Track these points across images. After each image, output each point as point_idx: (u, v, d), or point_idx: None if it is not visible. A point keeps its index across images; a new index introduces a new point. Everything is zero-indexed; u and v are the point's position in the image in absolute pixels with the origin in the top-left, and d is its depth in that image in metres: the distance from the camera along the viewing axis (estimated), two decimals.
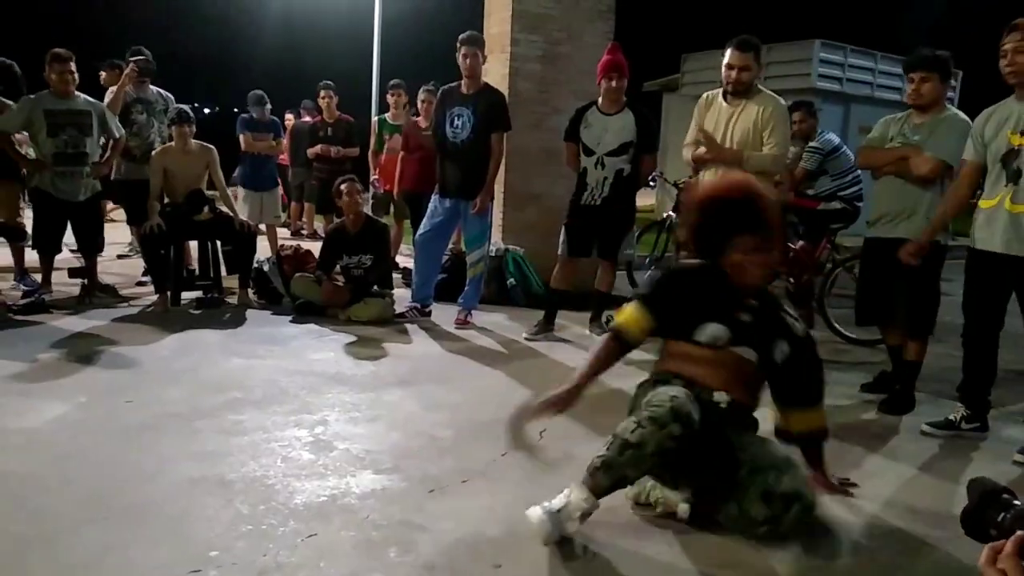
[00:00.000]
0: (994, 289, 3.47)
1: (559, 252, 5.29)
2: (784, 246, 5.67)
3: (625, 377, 4.24)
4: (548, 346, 5.01)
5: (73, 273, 5.72)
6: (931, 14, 23.55)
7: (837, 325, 5.41)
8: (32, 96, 5.47)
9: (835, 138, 5.78)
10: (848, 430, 3.64)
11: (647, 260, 7.37)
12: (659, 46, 17.21)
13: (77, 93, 5.53)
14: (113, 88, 6.23)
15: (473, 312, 5.55)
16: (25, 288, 5.50)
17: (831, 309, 5.50)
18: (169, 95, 6.42)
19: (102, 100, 6.00)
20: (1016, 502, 0.93)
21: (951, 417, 3.66)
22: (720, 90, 4.48)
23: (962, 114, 3.88)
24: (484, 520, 2.57)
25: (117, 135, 5.77)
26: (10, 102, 5.61)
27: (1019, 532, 0.88)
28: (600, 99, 5.11)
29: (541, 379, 4.23)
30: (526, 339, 5.09)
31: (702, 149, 4.42)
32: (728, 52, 4.31)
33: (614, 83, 5.02)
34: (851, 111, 14.28)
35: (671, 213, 7.43)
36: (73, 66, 5.45)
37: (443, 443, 3.24)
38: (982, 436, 3.61)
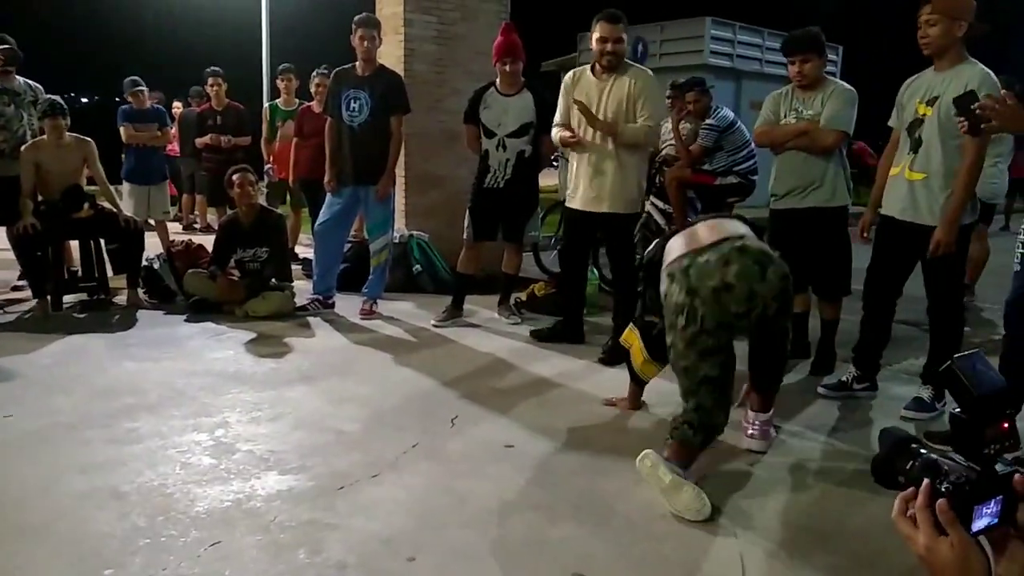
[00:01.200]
0: (894, 254, 3.62)
1: (464, 236, 5.22)
2: (684, 221, 5.79)
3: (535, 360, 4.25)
4: (457, 332, 4.96)
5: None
6: None
7: None
8: None
9: (730, 114, 5.92)
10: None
11: (552, 240, 7.40)
12: (555, 25, 17.26)
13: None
14: None
15: (378, 301, 5.44)
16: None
17: None
18: (38, 85, 5.96)
19: None
20: (923, 451, 0.95)
21: (843, 379, 3.84)
22: (587, 67, 4.49)
23: (846, 84, 4.07)
24: (395, 513, 2.52)
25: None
26: None
27: (927, 481, 0.90)
28: (498, 80, 5.05)
29: (450, 366, 4.20)
30: (434, 326, 5.03)
31: (566, 132, 4.43)
32: (598, 26, 4.31)
33: (508, 67, 4.97)
34: (742, 87, 14.72)
35: None
36: None
37: (350, 438, 3.16)
38: (872, 395, 3.79)
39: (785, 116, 4.10)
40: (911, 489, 0.92)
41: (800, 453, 3.12)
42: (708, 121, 5.78)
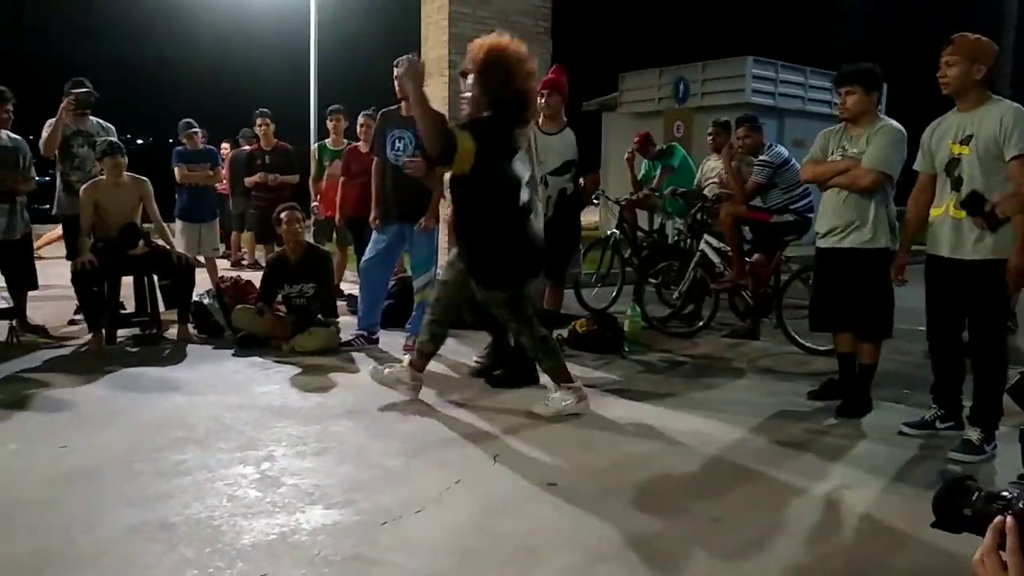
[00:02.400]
0: (948, 292, 3.59)
1: None
2: (741, 259, 5.77)
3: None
4: (499, 366, 4.96)
5: (0, 314, 5.48)
6: (856, 29, 24.46)
7: (794, 335, 5.49)
8: None
9: (784, 151, 5.89)
10: (810, 438, 3.72)
11: (593, 278, 7.41)
12: (597, 66, 17.46)
13: (1, 131, 5.39)
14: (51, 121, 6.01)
15: None
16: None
17: (787, 320, 5.57)
18: (110, 126, 6.22)
19: (39, 131, 5.82)
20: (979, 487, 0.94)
21: (926, 417, 3.77)
22: None
23: (895, 123, 4.01)
24: (437, 551, 2.52)
25: (32, 175, 5.66)
26: None
27: (999, 518, 0.88)
28: (540, 119, 5.12)
29: (492, 403, 4.21)
30: (476, 362, 5.04)
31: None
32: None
33: (543, 100, 5.05)
34: (785, 125, 14.68)
35: (615, 231, 7.49)
36: (10, 106, 5.37)
37: (394, 473, 3.17)
38: (959, 434, 3.66)
39: (832, 152, 4.08)
40: (1000, 519, 0.89)
41: (845, 491, 3.05)
42: (762, 157, 5.77)
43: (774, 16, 26.86)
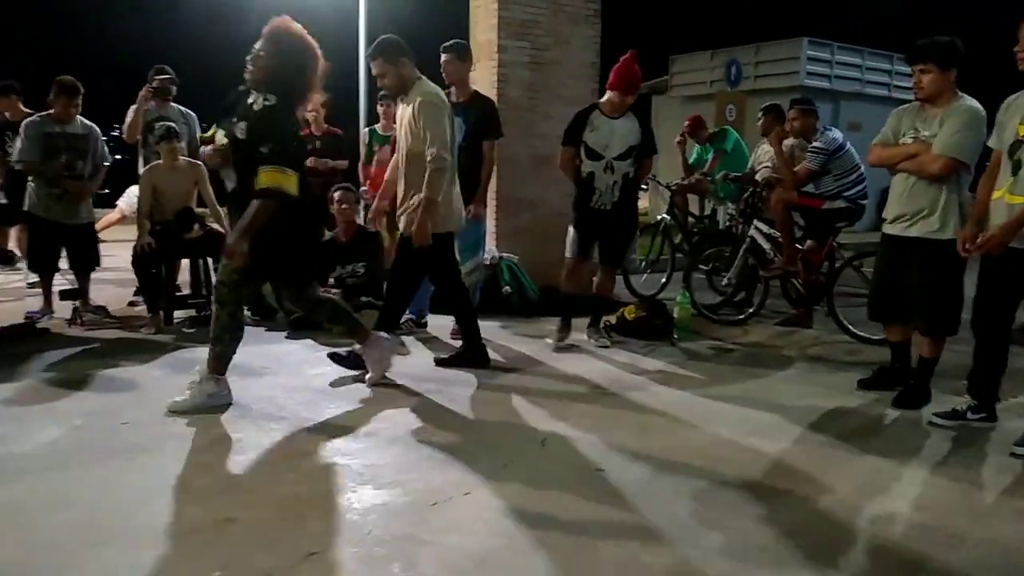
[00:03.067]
0: (1001, 280, 3.45)
1: (568, 254, 5.18)
2: (792, 246, 5.66)
3: (632, 389, 4.24)
4: (547, 353, 4.98)
5: (65, 295, 5.67)
6: (919, 7, 23.64)
7: (847, 323, 5.37)
8: (36, 120, 5.50)
9: (838, 136, 5.72)
10: (864, 428, 3.65)
11: (642, 263, 7.35)
12: (646, 49, 17.22)
13: (77, 117, 5.58)
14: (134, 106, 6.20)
15: None
16: (28, 313, 5.49)
17: (838, 308, 5.46)
18: (191, 113, 6.39)
19: (118, 117, 6.05)
20: None
21: (958, 407, 3.66)
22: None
23: (973, 104, 3.75)
24: (487, 532, 2.54)
25: (107, 161, 5.82)
26: None
27: None
28: (603, 102, 5.01)
29: (541, 387, 4.22)
30: (557, 350, 5.03)
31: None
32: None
33: (629, 99, 4.97)
34: (840, 108, 14.33)
35: (665, 216, 7.41)
36: (79, 99, 5.57)
37: (444, 454, 3.20)
38: (990, 426, 3.58)
39: (904, 134, 3.90)
40: None
41: (900, 484, 2.98)
42: (815, 143, 5.63)
43: None
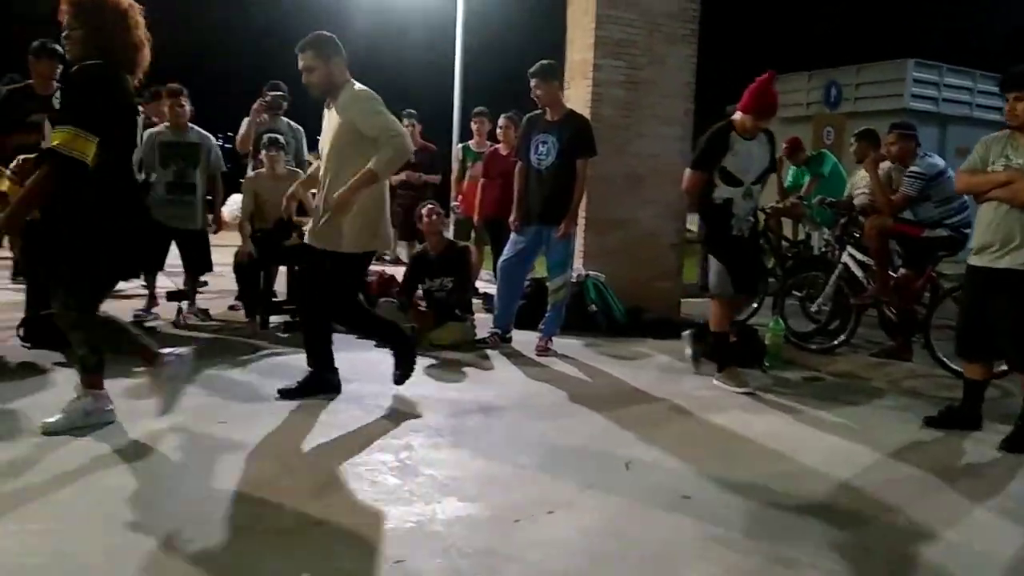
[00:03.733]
0: None
1: (717, 291, 4.76)
2: (886, 274, 5.45)
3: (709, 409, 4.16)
4: (631, 373, 4.93)
5: (171, 296, 5.96)
6: None
7: (943, 357, 5.13)
8: (153, 130, 5.82)
9: (939, 162, 5.49)
10: (957, 468, 3.48)
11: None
12: (741, 68, 16.94)
13: (191, 126, 5.87)
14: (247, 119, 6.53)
15: (553, 339, 5.51)
16: (136, 312, 5.79)
17: (936, 341, 5.22)
18: (299, 128, 6.68)
19: (227, 128, 6.36)
20: None
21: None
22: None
23: None
24: (569, 552, 2.53)
25: (222, 168, 6.13)
26: None
27: None
28: (736, 122, 4.64)
29: (627, 409, 4.18)
30: (741, 393, 4.57)
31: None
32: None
33: (763, 124, 4.66)
34: (948, 132, 13.75)
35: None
36: (184, 99, 5.82)
37: (527, 472, 3.21)
38: None
39: (993, 163, 3.76)
40: None
41: (991, 527, 2.82)
42: (913, 168, 5.42)
43: (940, 14, 25.11)
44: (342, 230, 3.85)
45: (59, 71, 5.61)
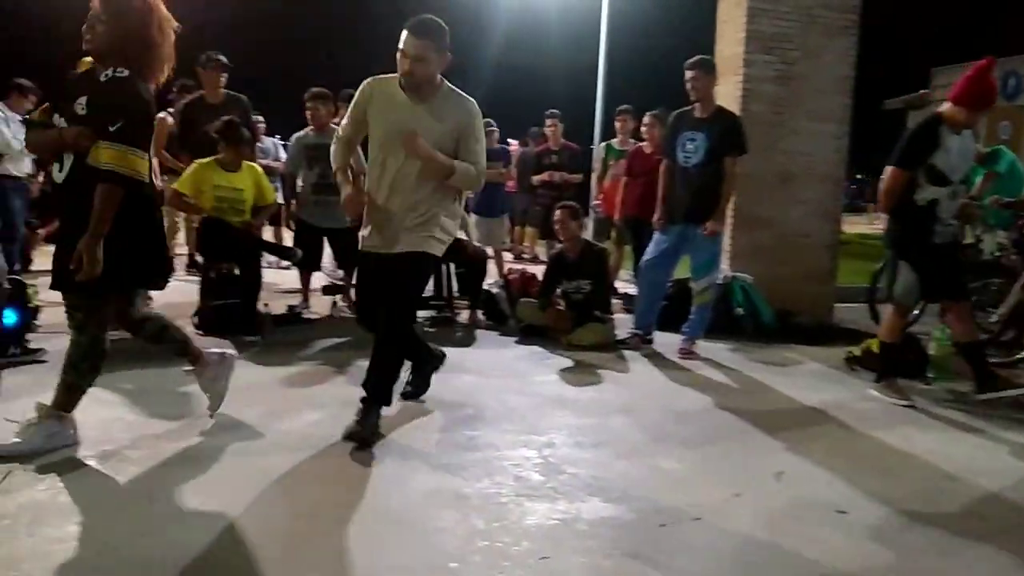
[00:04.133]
0: None
1: (901, 299, 4.48)
2: None
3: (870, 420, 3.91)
4: (780, 380, 4.73)
5: (327, 290, 6.30)
6: None
7: None
8: (299, 134, 6.17)
9: None
10: None
11: (887, 293, 6.76)
12: (902, 60, 15.94)
13: (333, 126, 6.16)
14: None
15: (697, 342, 5.39)
16: (290, 306, 6.16)
17: None
18: None
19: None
20: None
21: None
22: (393, 77, 3.51)
23: None
24: (718, 560, 2.46)
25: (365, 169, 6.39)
26: None
27: None
28: (945, 115, 4.26)
29: (775, 416, 4.02)
30: (906, 405, 4.31)
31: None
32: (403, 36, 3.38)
33: (978, 117, 4.31)
34: None
35: None
36: (329, 103, 6.10)
37: (672, 476, 3.16)
38: None
39: None
40: None
41: None
42: None
43: None
44: (434, 232, 3.54)
45: (224, 78, 6.09)
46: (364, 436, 3.34)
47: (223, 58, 6.09)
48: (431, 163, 3.42)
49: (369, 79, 3.58)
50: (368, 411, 3.42)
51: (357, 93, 3.60)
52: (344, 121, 3.73)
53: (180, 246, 7.97)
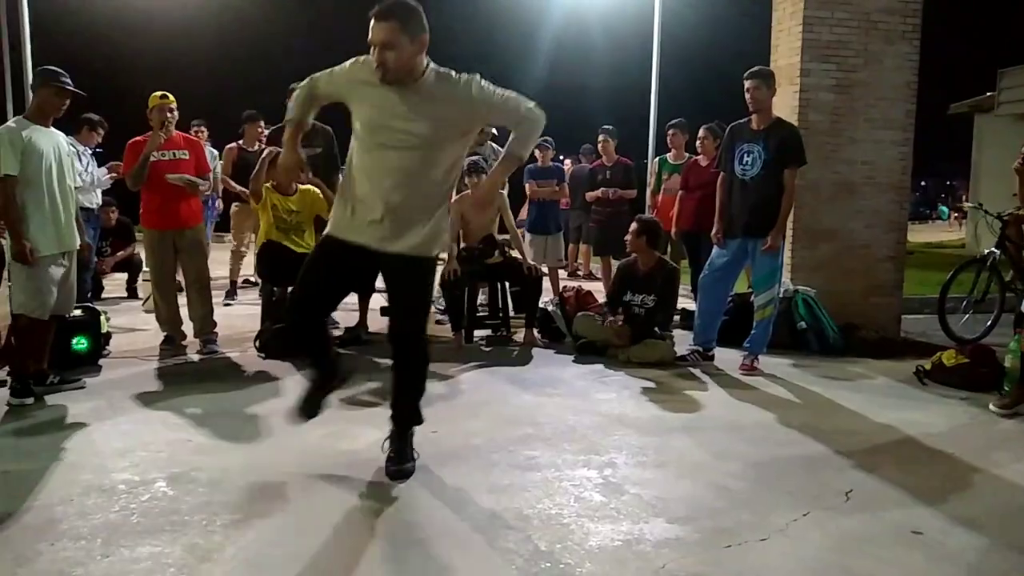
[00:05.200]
0: None
1: None
2: None
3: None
4: (849, 395, 4.60)
5: (385, 311, 6.35)
6: None
7: None
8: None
9: None
10: None
11: (964, 303, 6.54)
12: (968, 63, 15.49)
13: None
14: None
15: (760, 358, 5.28)
16: (347, 328, 6.25)
17: None
18: (500, 149, 6.96)
19: None
20: None
21: None
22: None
23: None
24: None
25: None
26: None
27: None
28: None
29: (841, 434, 3.91)
30: (995, 412, 4.28)
31: None
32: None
33: None
34: None
35: (994, 250, 6.54)
36: None
37: (736, 495, 3.08)
38: None
39: None
40: None
41: None
42: None
43: None
44: (441, 233, 3.27)
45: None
46: (410, 470, 3.25)
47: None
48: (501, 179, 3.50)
49: (365, 58, 3.08)
50: (404, 440, 3.32)
51: (350, 63, 3.15)
52: (325, 75, 3.23)
53: (247, 267, 8.19)
